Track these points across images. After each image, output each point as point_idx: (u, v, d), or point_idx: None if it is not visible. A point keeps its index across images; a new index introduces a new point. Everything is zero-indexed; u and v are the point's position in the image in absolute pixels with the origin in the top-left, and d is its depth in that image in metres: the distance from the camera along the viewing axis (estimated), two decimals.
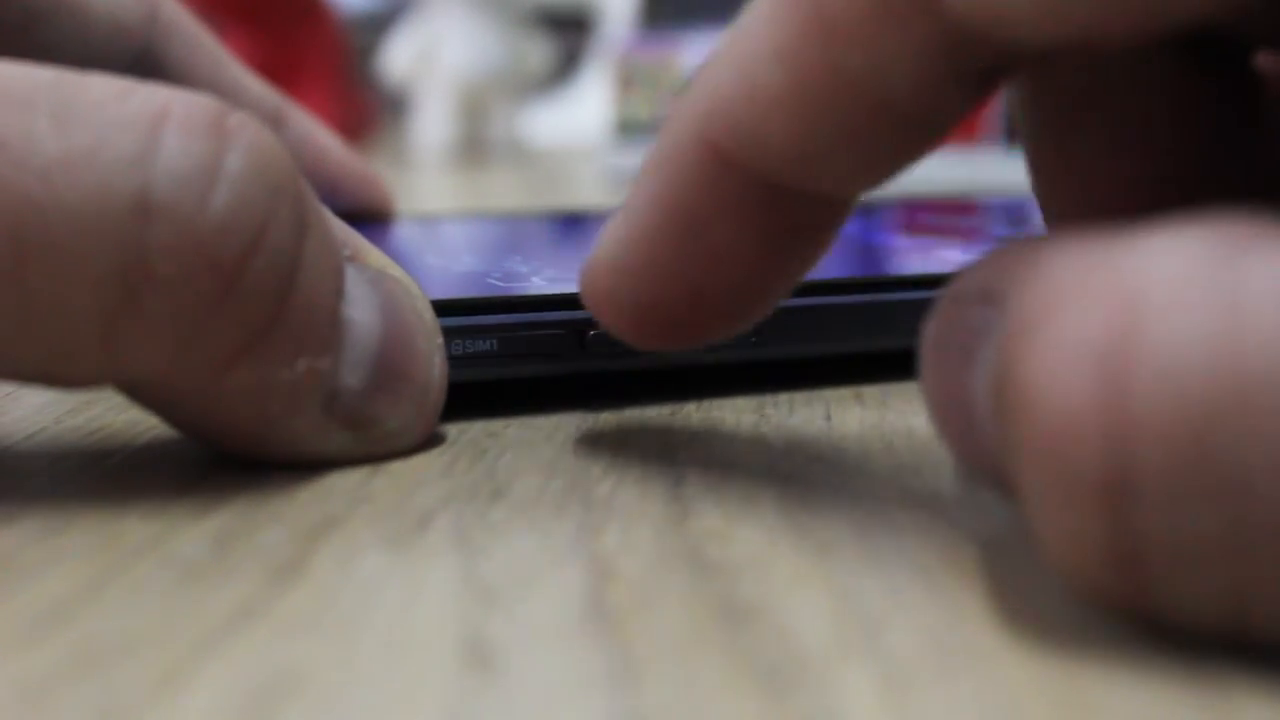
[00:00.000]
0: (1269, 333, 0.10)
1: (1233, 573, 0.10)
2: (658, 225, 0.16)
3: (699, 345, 0.17)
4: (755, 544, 0.14)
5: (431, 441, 0.18)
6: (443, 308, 0.19)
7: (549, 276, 0.22)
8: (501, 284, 0.21)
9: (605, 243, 0.16)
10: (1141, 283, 0.11)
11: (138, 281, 0.14)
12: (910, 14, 0.13)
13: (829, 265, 0.24)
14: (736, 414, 0.20)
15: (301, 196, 0.16)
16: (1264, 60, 0.16)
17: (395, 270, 0.18)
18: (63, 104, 0.14)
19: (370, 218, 0.29)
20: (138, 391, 0.16)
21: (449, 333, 0.19)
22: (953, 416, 0.13)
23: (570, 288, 0.21)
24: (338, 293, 0.16)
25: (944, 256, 0.25)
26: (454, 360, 0.19)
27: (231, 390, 0.16)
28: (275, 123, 0.26)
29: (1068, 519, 0.11)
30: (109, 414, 0.20)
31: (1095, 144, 0.16)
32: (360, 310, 0.17)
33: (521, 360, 0.20)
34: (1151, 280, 0.11)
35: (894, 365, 0.22)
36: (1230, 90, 0.16)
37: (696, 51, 0.64)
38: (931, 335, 0.14)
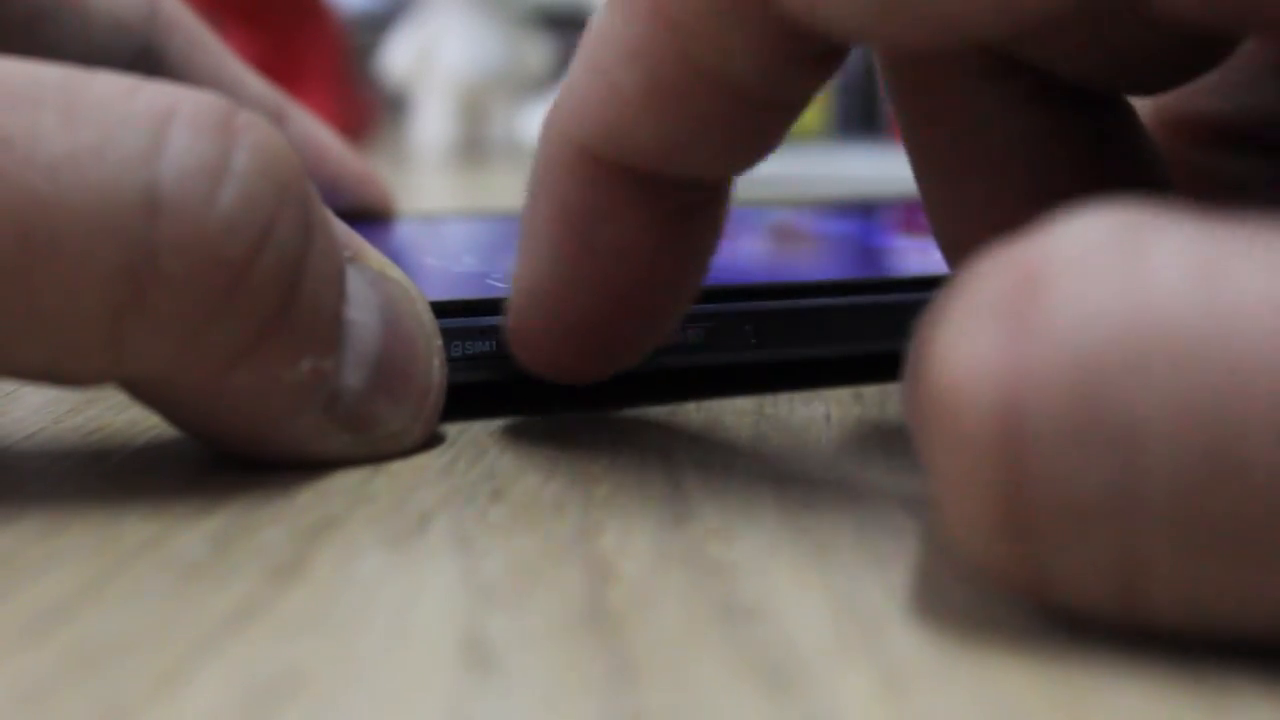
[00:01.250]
0: (1169, 297, 0.10)
1: (1121, 535, 0.10)
2: (554, 242, 0.17)
3: (631, 362, 0.18)
4: (755, 544, 0.14)
5: (431, 442, 0.18)
6: (443, 309, 0.19)
7: None
8: (502, 285, 0.21)
9: (516, 286, 0.17)
10: (1045, 253, 0.11)
11: (144, 278, 0.14)
12: (743, 7, 0.14)
13: (829, 266, 0.24)
14: (736, 414, 0.20)
15: (307, 196, 0.16)
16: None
17: (395, 272, 0.18)
18: (69, 101, 0.14)
19: (370, 217, 0.29)
20: (141, 389, 0.16)
21: (449, 334, 0.19)
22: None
23: None
24: (340, 293, 0.16)
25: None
26: (454, 362, 0.19)
27: (235, 389, 0.16)
28: (276, 121, 0.26)
29: (961, 476, 0.11)
30: (109, 414, 0.20)
31: (975, 179, 0.17)
32: (361, 311, 0.17)
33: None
34: (1055, 251, 0.11)
35: (894, 365, 0.22)
36: (1091, 119, 0.17)
37: None
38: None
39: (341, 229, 0.17)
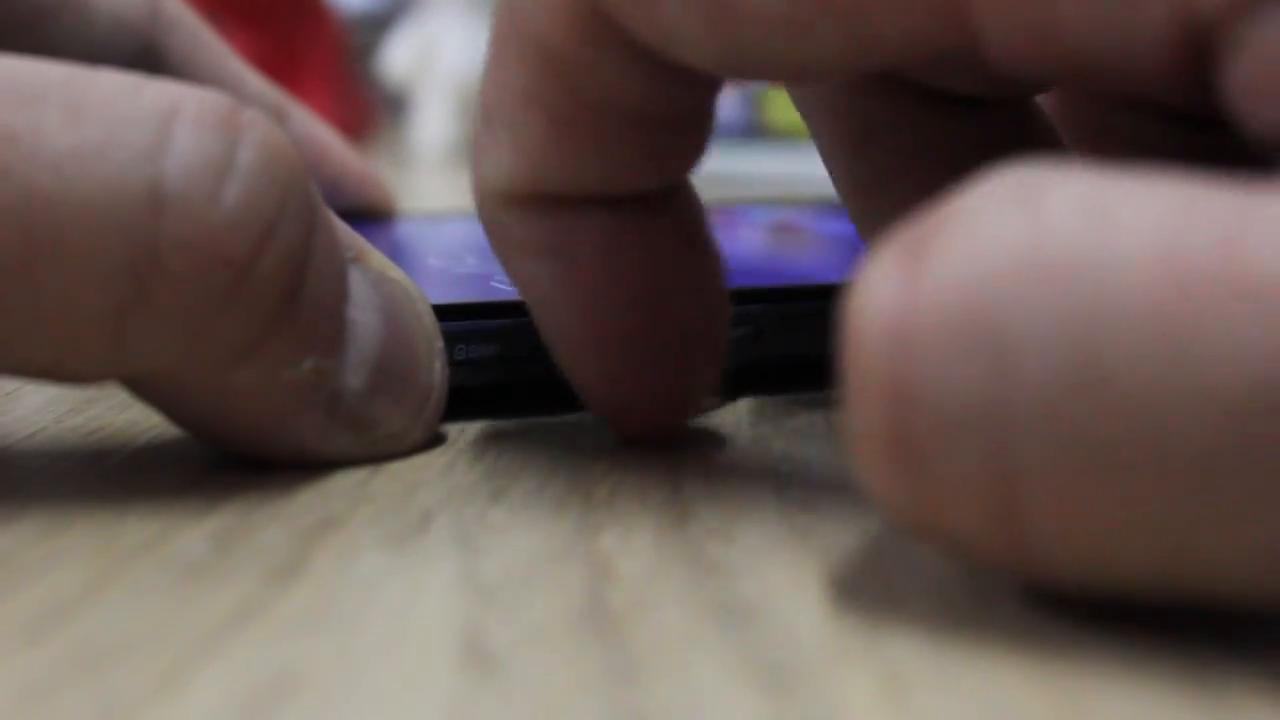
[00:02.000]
0: (1057, 233, 0.10)
1: (994, 446, 0.11)
2: (554, 293, 0.17)
3: (699, 387, 0.18)
4: (755, 544, 0.14)
5: (431, 442, 0.18)
6: (446, 311, 0.19)
7: None
8: (505, 287, 0.21)
9: (561, 358, 0.18)
10: (947, 207, 0.11)
11: (149, 275, 0.14)
12: (607, 37, 0.14)
13: (830, 267, 0.24)
14: (736, 414, 0.20)
15: (310, 195, 0.16)
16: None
17: (396, 273, 0.18)
18: (74, 98, 0.14)
19: (371, 216, 0.29)
20: (143, 386, 0.16)
21: (453, 337, 0.19)
22: None
23: None
24: (343, 293, 0.16)
25: None
26: (457, 365, 0.19)
27: (238, 387, 0.16)
28: (276, 120, 0.26)
29: (857, 405, 0.11)
30: (109, 414, 0.20)
31: (881, 187, 0.18)
32: (363, 311, 0.17)
33: (525, 364, 0.20)
34: (956, 204, 0.11)
35: None
36: (986, 117, 0.18)
37: None
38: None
39: (343, 229, 0.17)
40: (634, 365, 0.17)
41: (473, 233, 0.29)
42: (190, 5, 0.26)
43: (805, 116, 0.19)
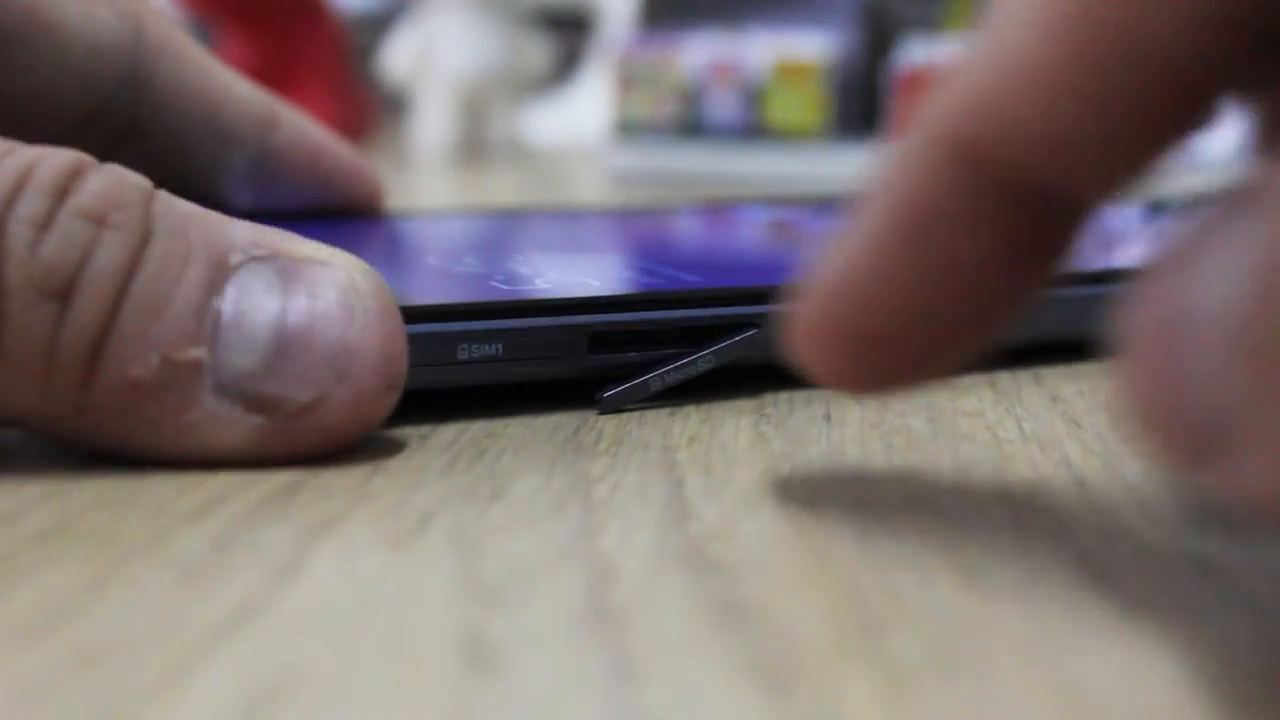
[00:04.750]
0: None
1: None
2: (886, 239, 0.15)
3: (912, 385, 0.16)
4: (755, 544, 0.14)
5: (431, 442, 0.18)
6: (448, 313, 0.19)
7: (552, 279, 0.22)
8: (505, 286, 0.21)
9: (826, 265, 0.15)
10: None
11: None
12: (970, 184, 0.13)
13: None
14: (736, 414, 0.20)
15: (143, 216, 0.17)
16: None
17: (325, 255, 0.18)
18: None
19: (367, 216, 0.29)
20: (29, 424, 0.17)
21: (455, 337, 0.19)
22: (1163, 337, 0.12)
23: (575, 290, 0.21)
24: (202, 286, 0.17)
25: None
26: (460, 365, 0.19)
27: (103, 400, 0.16)
28: (268, 125, 0.26)
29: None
30: None
31: None
32: (250, 297, 0.17)
33: (528, 363, 0.20)
34: None
35: None
36: None
37: (696, 51, 0.64)
38: (1154, 261, 0.12)
39: (254, 230, 0.18)
40: (886, 349, 0.15)
41: (471, 231, 0.29)
42: (190, 6, 0.26)
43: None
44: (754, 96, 0.64)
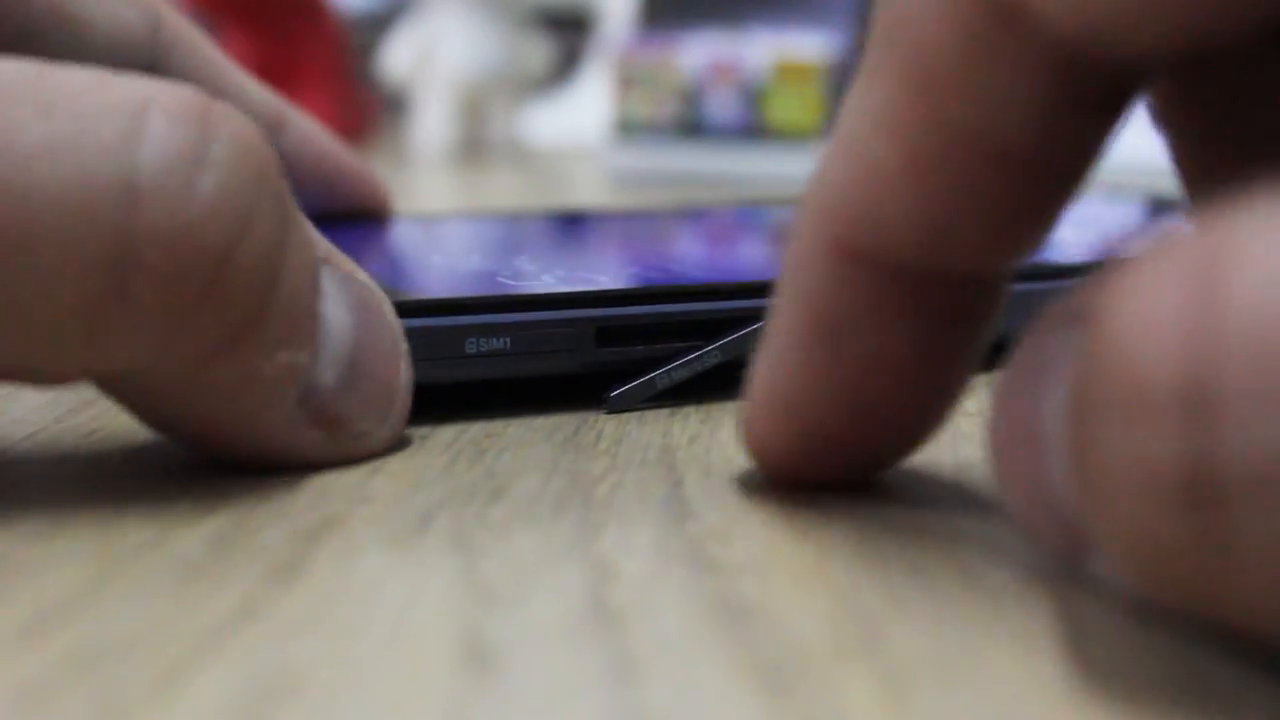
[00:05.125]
0: None
1: None
2: (804, 347, 0.15)
3: (878, 471, 0.16)
4: (755, 544, 0.14)
5: (431, 442, 0.18)
6: (456, 307, 0.19)
7: (558, 275, 0.22)
8: (512, 282, 0.21)
9: (756, 386, 0.16)
10: (1235, 225, 0.10)
11: (125, 269, 0.14)
12: (1008, 43, 0.13)
13: None
14: (736, 414, 0.20)
15: (284, 189, 0.16)
16: None
17: (362, 275, 0.18)
18: (45, 93, 0.14)
19: (370, 218, 0.29)
20: (116, 386, 0.16)
21: (463, 331, 0.19)
22: (1018, 451, 0.13)
23: (581, 285, 0.21)
24: (316, 288, 0.16)
25: None
26: (468, 359, 0.19)
27: (213, 382, 0.16)
28: (276, 127, 0.26)
29: (1138, 440, 0.10)
30: (109, 414, 0.20)
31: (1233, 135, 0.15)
32: (335, 308, 0.17)
33: (535, 358, 0.20)
34: (1244, 223, 0.10)
35: None
36: None
37: (696, 51, 0.64)
38: (1004, 372, 0.13)
39: (312, 230, 0.17)
40: (828, 446, 0.16)
41: (475, 232, 0.29)
42: (190, 6, 0.26)
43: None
44: (754, 96, 0.64)
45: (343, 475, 0.17)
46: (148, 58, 0.24)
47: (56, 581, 0.13)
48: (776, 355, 0.15)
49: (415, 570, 0.14)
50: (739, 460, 0.18)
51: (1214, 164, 0.15)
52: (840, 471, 0.16)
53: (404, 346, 0.18)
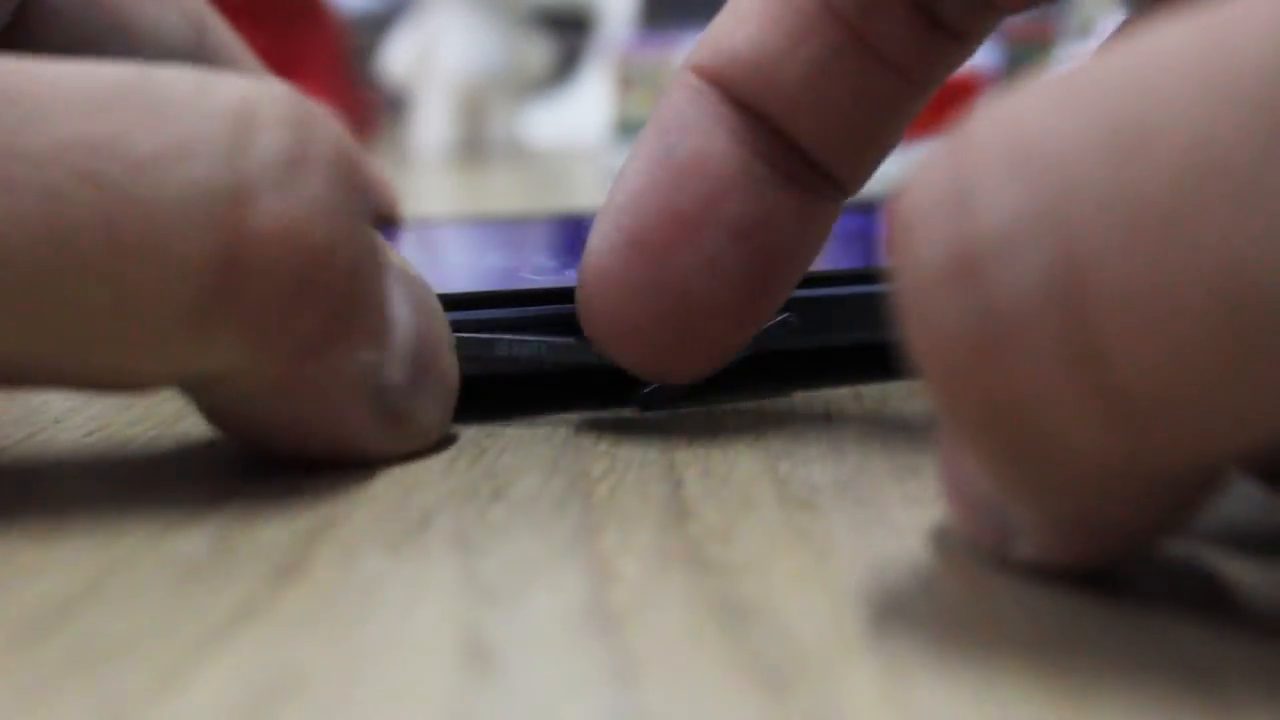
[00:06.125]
0: (1102, 66, 0.11)
1: (1061, 246, 0.11)
2: (643, 154, 0.17)
3: (699, 361, 0.18)
4: (755, 544, 0.14)
5: (444, 440, 0.18)
6: (486, 300, 0.19)
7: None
8: (539, 278, 0.21)
9: (601, 214, 0.17)
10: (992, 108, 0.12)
11: (234, 269, 0.14)
12: None
13: (840, 256, 0.24)
14: (736, 414, 0.20)
15: (366, 187, 0.16)
16: None
17: (414, 271, 0.18)
18: (150, 101, 0.15)
19: (381, 222, 0.29)
20: (206, 389, 0.16)
21: (495, 326, 0.19)
22: (949, 452, 0.14)
23: None
24: (384, 286, 0.17)
25: None
26: (500, 357, 0.19)
27: (302, 383, 0.16)
28: None
29: (914, 234, 0.12)
30: (109, 414, 0.20)
31: None
32: (399, 307, 0.17)
33: (563, 351, 0.20)
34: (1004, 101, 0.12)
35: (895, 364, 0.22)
36: None
37: None
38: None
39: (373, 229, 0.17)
40: (663, 306, 0.17)
41: (491, 235, 0.29)
42: None
43: None
44: None
45: (343, 475, 0.17)
46: (192, 63, 0.24)
47: (56, 581, 0.13)
48: (623, 172, 0.17)
49: (415, 570, 0.14)
50: (739, 460, 0.18)
51: None
52: (673, 352, 0.18)
53: (451, 340, 0.18)
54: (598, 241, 0.18)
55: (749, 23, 0.17)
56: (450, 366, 0.18)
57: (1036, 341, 0.11)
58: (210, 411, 0.17)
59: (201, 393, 0.16)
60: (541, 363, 0.19)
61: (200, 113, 0.15)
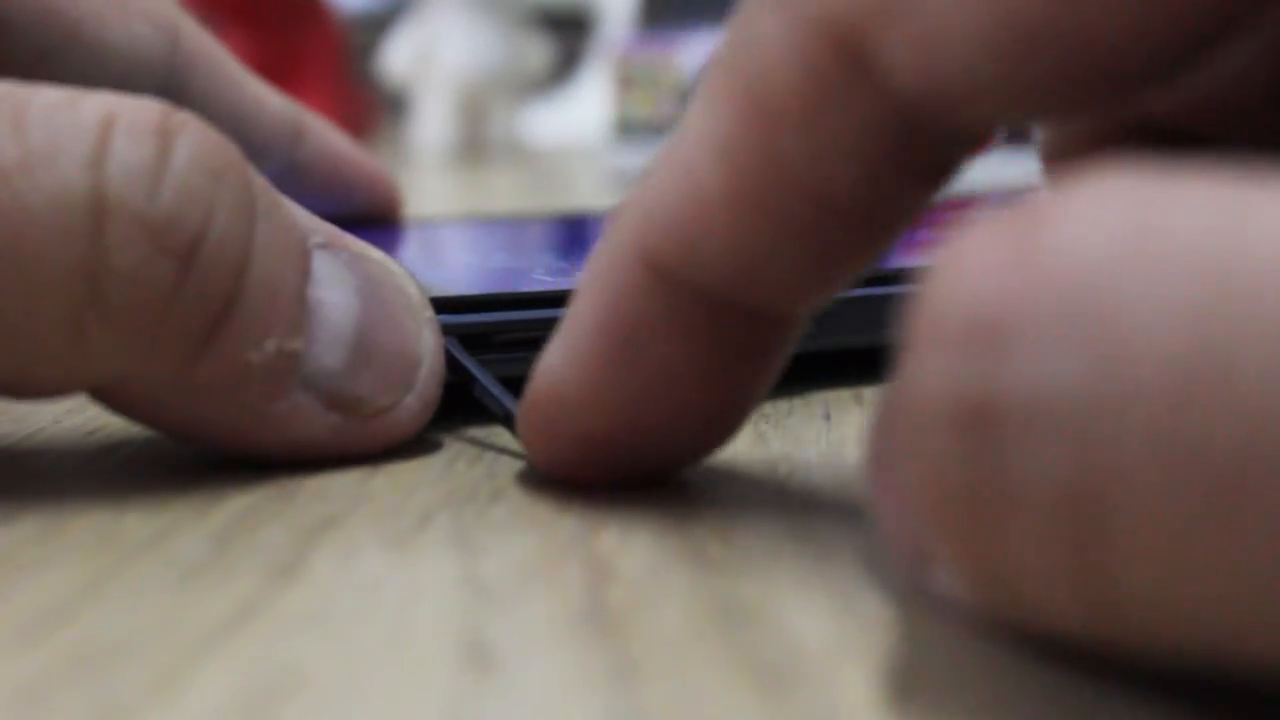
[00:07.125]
0: (1182, 218, 0.09)
1: (1088, 445, 0.09)
2: (596, 348, 0.15)
3: (644, 479, 0.16)
4: (755, 544, 0.14)
5: (431, 442, 0.18)
6: (496, 303, 0.19)
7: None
8: (550, 279, 0.21)
9: (542, 372, 0.16)
10: (1053, 195, 0.10)
11: (99, 276, 0.15)
12: (850, 91, 0.13)
13: None
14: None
15: (248, 184, 0.16)
16: None
17: (375, 253, 0.18)
18: (17, 112, 0.15)
19: (383, 223, 0.29)
20: (115, 396, 0.16)
21: (505, 327, 0.19)
22: (879, 465, 0.13)
23: None
24: (301, 274, 0.17)
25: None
26: (513, 360, 0.19)
27: (206, 379, 0.16)
28: (295, 137, 0.26)
29: (932, 367, 0.10)
30: (109, 414, 0.20)
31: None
32: (333, 291, 0.17)
33: None
34: (1073, 189, 0.10)
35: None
36: None
37: (696, 51, 0.64)
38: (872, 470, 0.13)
39: (309, 218, 0.17)
40: (603, 449, 0.16)
41: (494, 235, 0.29)
42: (190, 6, 0.26)
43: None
44: None
45: (343, 475, 0.17)
46: (165, 72, 0.24)
47: (56, 581, 0.13)
48: (567, 354, 0.15)
49: (415, 570, 0.14)
50: (739, 460, 0.18)
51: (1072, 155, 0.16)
52: (613, 476, 0.16)
53: (426, 315, 0.18)
54: (543, 422, 0.16)
55: (719, 210, 0.14)
56: (413, 341, 0.18)
57: (1039, 529, 0.10)
58: (129, 415, 0.17)
59: (114, 403, 0.17)
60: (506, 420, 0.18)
61: (64, 124, 0.15)
